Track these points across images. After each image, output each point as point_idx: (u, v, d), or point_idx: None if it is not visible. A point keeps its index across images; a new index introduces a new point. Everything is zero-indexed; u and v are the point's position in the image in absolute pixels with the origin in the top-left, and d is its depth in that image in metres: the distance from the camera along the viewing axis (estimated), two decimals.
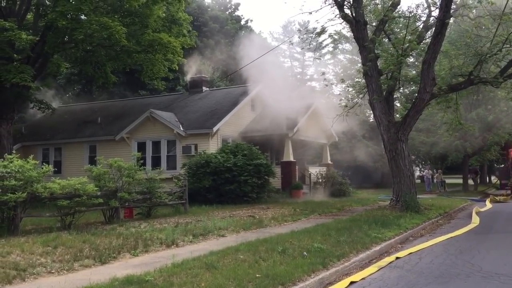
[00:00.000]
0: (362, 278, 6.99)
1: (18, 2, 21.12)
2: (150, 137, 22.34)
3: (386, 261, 8.20)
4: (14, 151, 12.98)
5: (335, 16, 16.47)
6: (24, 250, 8.05)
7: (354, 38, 16.88)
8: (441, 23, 14.70)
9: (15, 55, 19.58)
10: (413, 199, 15.45)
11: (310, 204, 17.69)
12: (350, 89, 19.24)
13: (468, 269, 7.39)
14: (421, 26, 17.76)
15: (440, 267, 7.66)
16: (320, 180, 25.09)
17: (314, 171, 25.73)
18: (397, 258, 8.52)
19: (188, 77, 29.04)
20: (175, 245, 9.32)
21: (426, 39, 17.53)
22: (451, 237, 11.15)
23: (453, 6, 16.65)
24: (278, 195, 21.29)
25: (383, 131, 16.15)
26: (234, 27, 41.32)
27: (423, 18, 18.07)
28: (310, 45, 17.15)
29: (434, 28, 15.69)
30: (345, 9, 16.18)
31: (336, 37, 18.83)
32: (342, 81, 21.32)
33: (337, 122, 18.12)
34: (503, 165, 31.20)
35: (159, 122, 22.03)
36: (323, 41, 35.11)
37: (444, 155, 34.92)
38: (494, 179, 42.31)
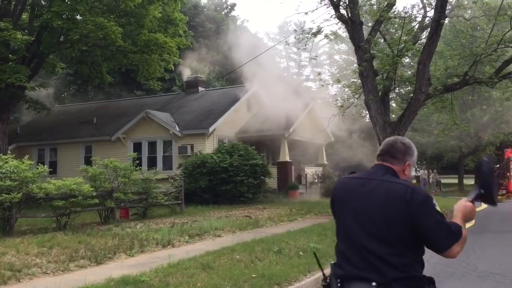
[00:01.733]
0: None
1: (13, 2, 21.04)
2: (146, 138, 22.30)
3: None
4: (9, 152, 12.91)
5: (331, 17, 16.50)
6: (19, 251, 8.02)
7: (350, 38, 16.91)
8: (436, 23, 14.75)
9: (10, 55, 19.50)
10: None
11: (306, 204, 17.69)
12: (346, 89, 19.27)
13: (463, 268, 7.42)
14: (416, 27, 17.82)
15: (436, 266, 7.68)
16: (316, 180, 25.10)
17: (310, 171, 25.73)
18: None
19: (184, 77, 29.00)
20: (171, 246, 9.30)
21: (421, 39, 17.61)
22: None
23: (449, 7, 16.73)
24: (274, 195, 21.27)
25: (379, 131, 16.17)
26: (228, 27, 41.33)
27: (419, 19, 18.16)
28: (306, 45, 17.18)
29: (429, 29, 15.74)
30: (340, 10, 16.20)
31: (332, 37, 18.83)
32: (338, 81, 21.37)
33: (333, 122, 18.15)
34: (498, 165, 31.27)
35: (155, 122, 21.99)
36: (320, 41, 35.18)
37: (439, 155, 34.96)
38: None
